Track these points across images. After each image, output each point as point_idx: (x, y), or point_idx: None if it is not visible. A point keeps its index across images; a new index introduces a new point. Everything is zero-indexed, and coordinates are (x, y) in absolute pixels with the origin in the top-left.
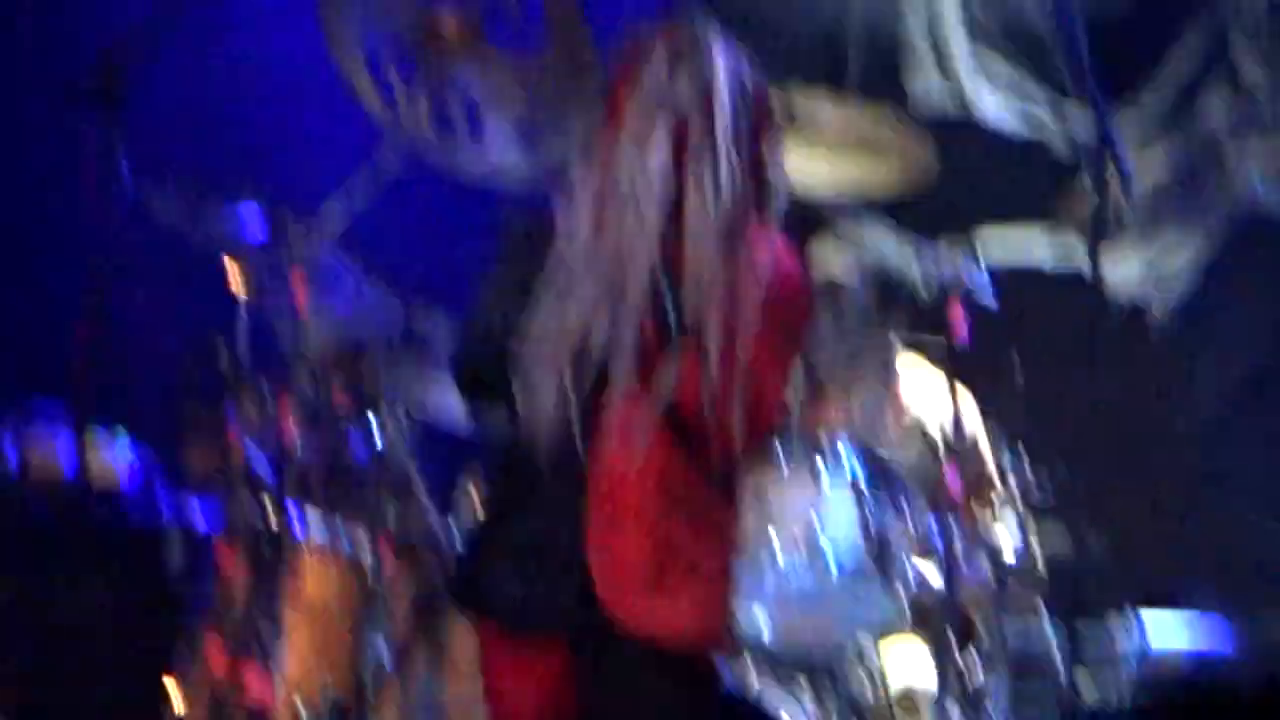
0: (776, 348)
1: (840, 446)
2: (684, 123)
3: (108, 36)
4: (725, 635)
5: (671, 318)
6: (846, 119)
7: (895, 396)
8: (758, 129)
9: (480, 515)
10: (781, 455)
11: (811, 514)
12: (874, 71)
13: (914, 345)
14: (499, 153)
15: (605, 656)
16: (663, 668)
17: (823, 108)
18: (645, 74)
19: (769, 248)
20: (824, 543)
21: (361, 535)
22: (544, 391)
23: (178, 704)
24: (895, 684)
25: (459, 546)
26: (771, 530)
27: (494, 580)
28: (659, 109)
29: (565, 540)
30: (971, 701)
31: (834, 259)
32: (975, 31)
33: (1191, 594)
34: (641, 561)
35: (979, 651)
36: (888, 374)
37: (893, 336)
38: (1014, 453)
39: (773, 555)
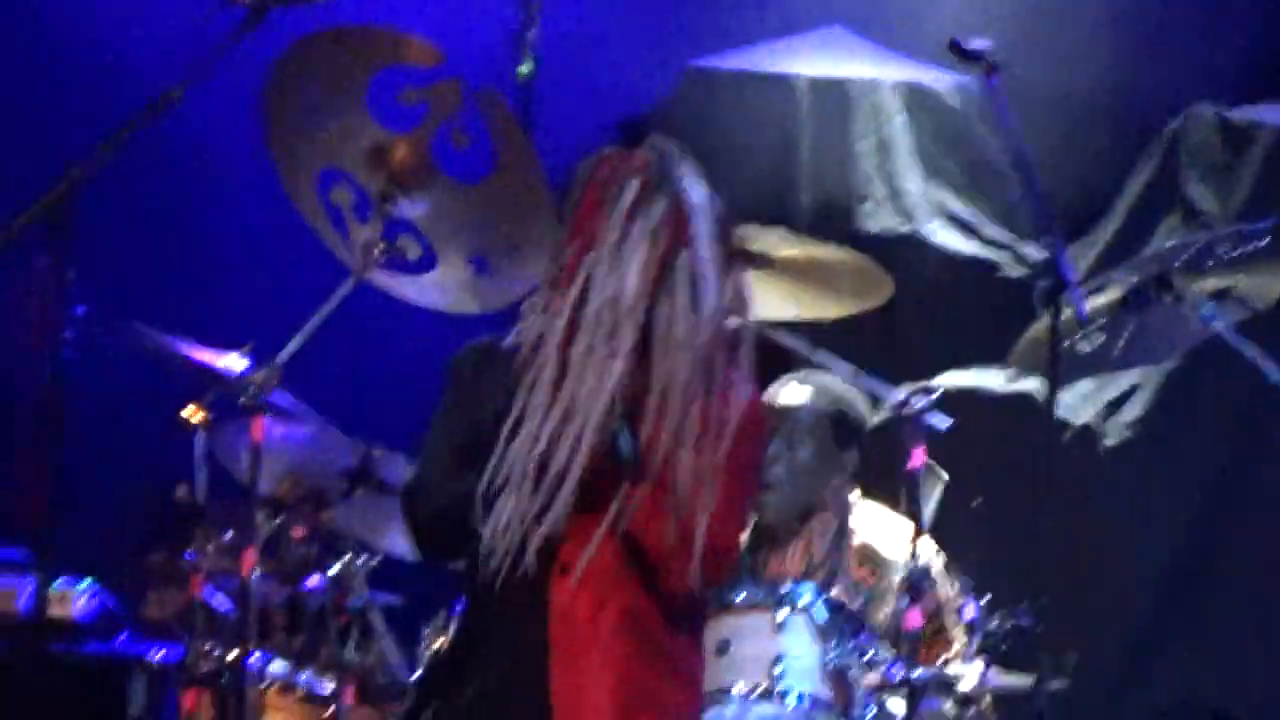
0: (735, 487)
1: (800, 589)
2: (660, 247)
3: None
4: None
5: (628, 450)
6: (800, 250)
7: (852, 536)
8: (728, 259)
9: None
10: (741, 597)
11: (772, 652)
12: (825, 209)
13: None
14: (452, 282)
15: None
16: None
17: (776, 240)
18: (620, 196)
19: (739, 382)
20: (785, 684)
21: (326, 678)
22: (505, 522)
23: None
24: None
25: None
26: (732, 673)
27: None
28: (635, 232)
29: (527, 683)
30: None
31: (791, 393)
32: (929, 168)
33: None
34: (607, 704)
35: None
36: (844, 513)
37: (848, 476)
38: (974, 592)
39: (733, 692)
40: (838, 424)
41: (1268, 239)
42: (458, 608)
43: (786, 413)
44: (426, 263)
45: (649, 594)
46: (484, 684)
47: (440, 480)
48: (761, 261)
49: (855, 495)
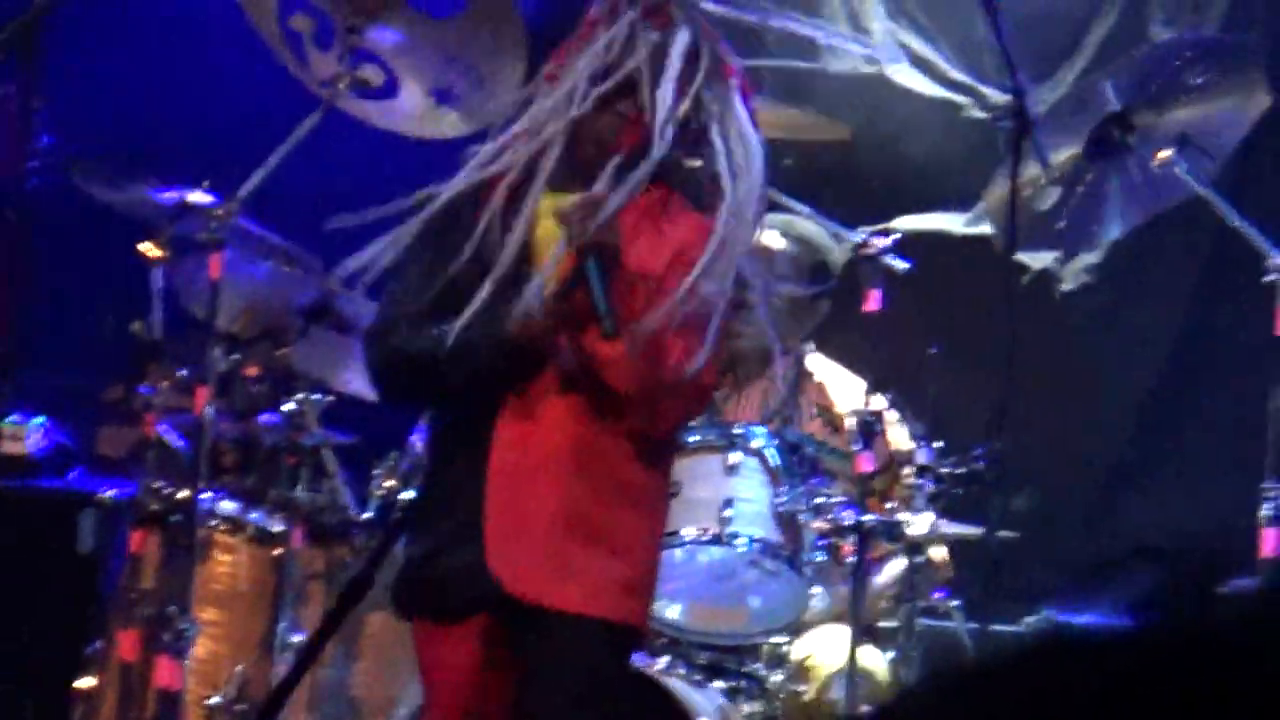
0: (690, 308)
1: (753, 431)
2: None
3: None
4: (639, 613)
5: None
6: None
7: (809, 381)
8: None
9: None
10: (694, 438)
11: (722, 496)
12: (790, 50)
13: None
14: (415, 110)
15: (526, 629)
16: (581, 638)
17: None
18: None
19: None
20: (734, 528)
21: (276, 518)
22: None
23: (87, 681)
24: (807, 666)
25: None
26: (682, 516)
27: (408, 567)
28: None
29: (465, 503)
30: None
31: (770, 237)
32: (893, 7)
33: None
34: (543, 525)
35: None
36: (799, 363)
37: (816, 325)
38: (926, 439)
39: (682, 535)
40: (815, 273)
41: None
42: (411, 447)
43: (766, 253)
44: (388, 90)
45: (611, 429)
46: (428, 518)
47: (402, 320)
48: None
49: (811, 346)
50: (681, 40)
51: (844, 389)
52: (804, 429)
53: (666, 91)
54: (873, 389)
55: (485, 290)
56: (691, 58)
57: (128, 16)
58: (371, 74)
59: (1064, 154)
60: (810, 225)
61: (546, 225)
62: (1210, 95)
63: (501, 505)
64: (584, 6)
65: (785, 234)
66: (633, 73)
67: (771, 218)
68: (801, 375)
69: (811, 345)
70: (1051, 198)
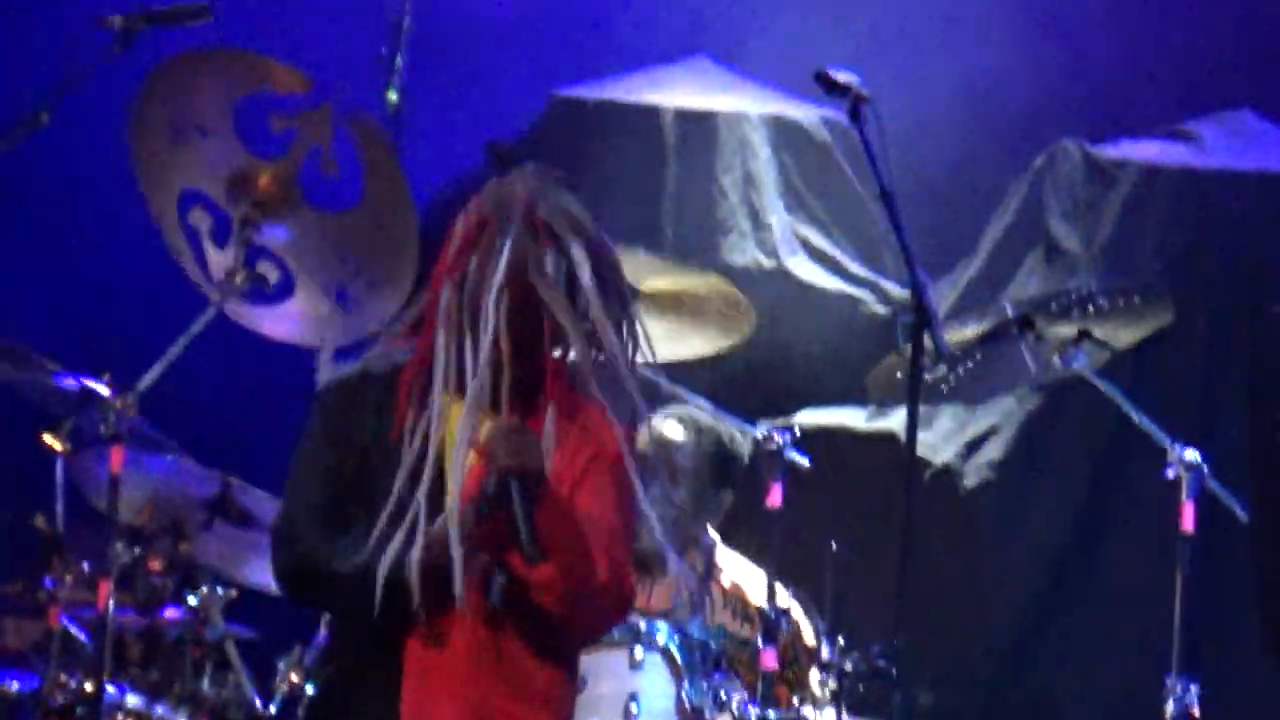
0: (609, 520)
1: (657, 626)
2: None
3: None
4: None
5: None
6: (668, 281)
7: (715, 577)
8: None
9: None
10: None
11: (627, 691)
12: (689, 242)
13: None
14: (309, 314)
15: None
16: None
17: (644, 270)
18: (498, 233)
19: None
20: None
21: (181, 711)
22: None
23: None
24: None
25: None
26: (587, 711)
27: None
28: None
29: (380, 704)
30: None
31: (672, 429)
32: (794, 201)
33: None
34: None
35: None
36: (708, 554)
37: (720, 516)
38: (831, 634)
39: None
40: (717, 463)
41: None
42: (316, 642)
43: (667, 446)
44: (284, 290)
45: (516, 629)
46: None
47: (308, 524)
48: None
49: (716, 537)
50: (583, 262)
51: (752, 582)
52: (714, 620)
53: (597, 310)
54: (774, 583)
55: (392, 501)
56: (598, 275)
57: (30, 208)
58: (269, 271)
59: (959, 337)
60: (711, 418)
61: (451, 428)
62: (1114, 315)
63: (413, 710)
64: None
65: (686, 425)
66: (541, 293)
67: (675, 410)
68: (712, 566)
69: (716, 536)
70: (940, 370)
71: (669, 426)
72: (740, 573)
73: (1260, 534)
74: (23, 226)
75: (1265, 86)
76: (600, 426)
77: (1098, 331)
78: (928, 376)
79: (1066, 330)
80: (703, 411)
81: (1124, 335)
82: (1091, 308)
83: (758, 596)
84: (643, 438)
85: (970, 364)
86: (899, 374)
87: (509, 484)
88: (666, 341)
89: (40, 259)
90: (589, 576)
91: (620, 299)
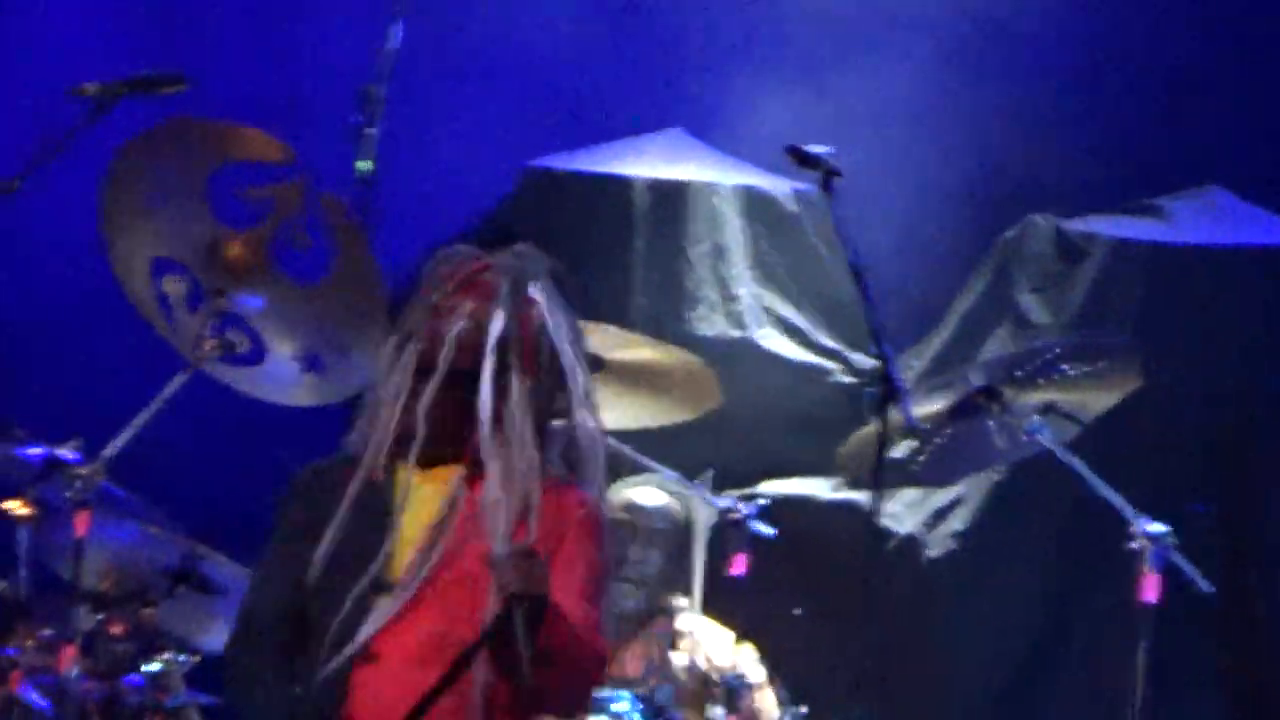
0: (590, 588)
1: (618, 694)
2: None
3: None
4: None
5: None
6: (633, 353)
7: (682, 639)
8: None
9: None
10: None
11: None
12: (658, 312)
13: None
14: (281, 378)
15: None
16: None
17: (610, 341)
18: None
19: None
20: None
21: None
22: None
23: None
24: None
25: None
26: None
27: None
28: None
29: None
30: None
31: (645, 495)
32: (763, 273)
33: None
34: None
35: None
36: (671, 625)
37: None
38: (793, 703)
39: None
40: (689, 530)
41: (1097, 356)
42: None
43: (639, 513)
44: (255, 356)
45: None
46: None
47: (259, 631)
48: (594, 364)
49: (685, 603)
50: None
51: (718, 647)
52: (676, 685)
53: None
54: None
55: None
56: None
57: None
58: (238, 339)
59: (926, 411)
60: (677, 484)
61: (412, 496)
62: (1081, 382)
63: None
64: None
65: (661, 491)
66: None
67: (650, 476)
68: (675, 633)
69: (686, 602)
70: (908, 446)
71: (645, 492)
72: (709, 639)
73: (1225, 608)
74: None
75: (1233, 164)
76: (566, 494)
77: (1064, 400)
78: (897, 453)
79: (1033, 399)
80: (671, 481)
81: (1092, 403)
82: (1057, 375)
83: (718, 660)
84: (612, 504)
85: (939, 442)
86: (867, 452)
87: (515, 607)
88: (632, 411)
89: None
90: (583, 678)
91: (584, 370)
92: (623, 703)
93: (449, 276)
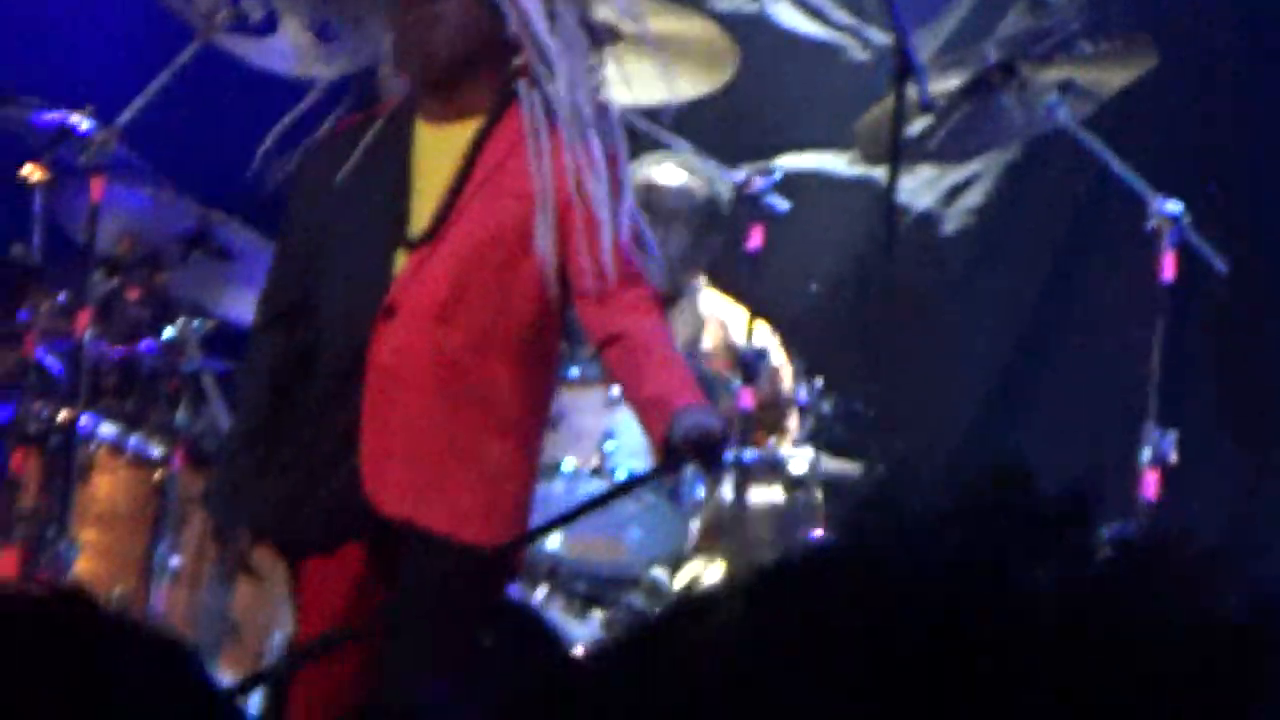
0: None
1: None
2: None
3: None
4: (514, 538)
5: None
6: (653, 22)
7: (708, 316)
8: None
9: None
10: (575, 372)
11: (603, 429)
12: None
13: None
14: (294, 47)
15: (397, 553)
16: (447, 560)
17: (629, 9)
18: None
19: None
20: (614, 461)
21: (156, 442)
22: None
23: None
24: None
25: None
26: (562, 448)
27: (262, 498)
28: None
29: (338, 431)
30: None
31: (666, 173)
32: None
33: None
34: (416, 450)
35: None
36: (691, 294)
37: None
38: (808, 377)
39: (562, 468)
40: (709, 207)
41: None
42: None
43: (660, 190)
44: (267, 24)
45: (484, 358)
46: (288, 447)
47: (275, 312)
48: (609, 36)
49: (703, 280)
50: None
51: (735, 324)
52: (706, 365)
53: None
54: (753, 324)
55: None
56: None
57: None
58: (252, 6)
59: (941, 88)
60: (696, 160)
61: (426, 154)
62: (1097, 60)
63: (377, 430)
64: None
65: (682, 169)
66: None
67: (669, 154)
68: (699, 311)
69: (704, 281)
70: (924, 123)
71: (665, 170)
72: (731, 316)
73: (1237, 287)
74: None
75: None
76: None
77: (1081, 77)
78: (912, 130)
79: (1050, 76)
80: (692, 157)
81: (1108, 81)
82: (1074, 52)
83: (738, 337)
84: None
85: (955, 118)
86: (882, 128)
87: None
88: (650, 82)
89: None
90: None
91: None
92: None
93: None
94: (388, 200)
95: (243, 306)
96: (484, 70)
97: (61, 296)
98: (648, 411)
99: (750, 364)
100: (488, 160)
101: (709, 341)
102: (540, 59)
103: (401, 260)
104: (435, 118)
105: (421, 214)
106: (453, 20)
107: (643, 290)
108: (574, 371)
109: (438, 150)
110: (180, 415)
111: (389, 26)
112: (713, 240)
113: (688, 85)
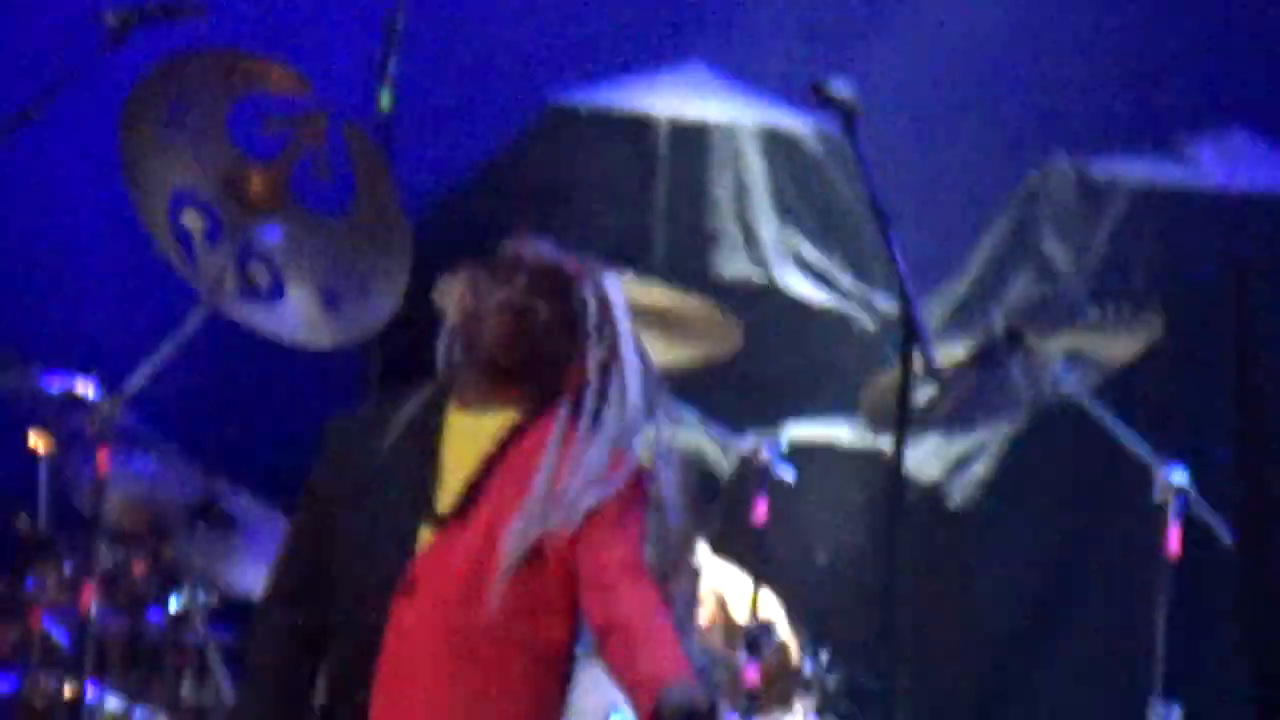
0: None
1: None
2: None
3: None
4: None
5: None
6: (652, 298)
7: (698, 591)
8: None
9: None
10: (580, 646)
11: (606, 705)
12: (680, 252)
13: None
14: (301, 315)
15: None
16: None
17: (628, 284)
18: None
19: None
20: None
21: (160, 716)
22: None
23: None
24: None
25: None
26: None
27: None
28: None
29: (354, 704)
30: None
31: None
32: (785, 214)
33: None
34: None
35: None
36: (693, 569)
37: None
38: (814, 650)
39: None
40: (701, 478)
41: (1121, 306)
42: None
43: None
44: (275, 292)
45: (501, 618)
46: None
47: (285, 588)
48: None
49: (706, 551)
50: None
51: (739, 595)
52: (702, 642)
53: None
54: (758, 597)
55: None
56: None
57: (16, 205)
58: (259, 272)
59: (949, 356)
60: (697, 435)
61: (456, 436)
62: (1104, 329)
63: (388, 707)
64: (473, 218)
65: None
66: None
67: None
68: (697, 584)
69: (707, 548)
70: (930, 392)
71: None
72: (731, 589)
73: (1245, 557)
74: (11, 224)
75: (1257, 100)
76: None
77: (1088, 347)
78: (920, 400)
79: (1057, 345)
80: (683, 425)
81: (1115, 350)
82: (1081, 321)
83: (740, 611)
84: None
85: (963, 388)
86: (890, 397)
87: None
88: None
89: (29, 259)
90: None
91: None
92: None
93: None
94: (416, 476)
95: (250, 576)
96: (538, 372)
97: (67, 567)
98: (637, 692)
99: (755, 638)
100: (519, 450)
101: (704, 618)
102: (618, 381)
103: (426, 537)
104: (470, 404)
105: (448, 493)
106: (541, 322)
107: (646, 581)
108: (580, 644)
109: (469, 434)
110: (186, 688)
111: (465, 309)
112: (709, 515)
113: (688, 356)
